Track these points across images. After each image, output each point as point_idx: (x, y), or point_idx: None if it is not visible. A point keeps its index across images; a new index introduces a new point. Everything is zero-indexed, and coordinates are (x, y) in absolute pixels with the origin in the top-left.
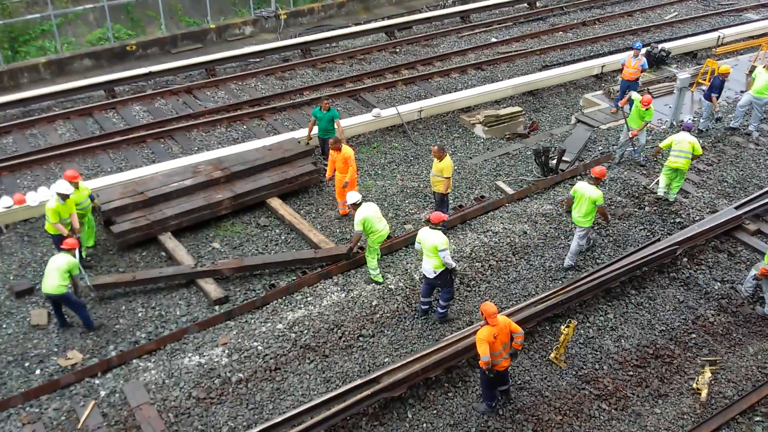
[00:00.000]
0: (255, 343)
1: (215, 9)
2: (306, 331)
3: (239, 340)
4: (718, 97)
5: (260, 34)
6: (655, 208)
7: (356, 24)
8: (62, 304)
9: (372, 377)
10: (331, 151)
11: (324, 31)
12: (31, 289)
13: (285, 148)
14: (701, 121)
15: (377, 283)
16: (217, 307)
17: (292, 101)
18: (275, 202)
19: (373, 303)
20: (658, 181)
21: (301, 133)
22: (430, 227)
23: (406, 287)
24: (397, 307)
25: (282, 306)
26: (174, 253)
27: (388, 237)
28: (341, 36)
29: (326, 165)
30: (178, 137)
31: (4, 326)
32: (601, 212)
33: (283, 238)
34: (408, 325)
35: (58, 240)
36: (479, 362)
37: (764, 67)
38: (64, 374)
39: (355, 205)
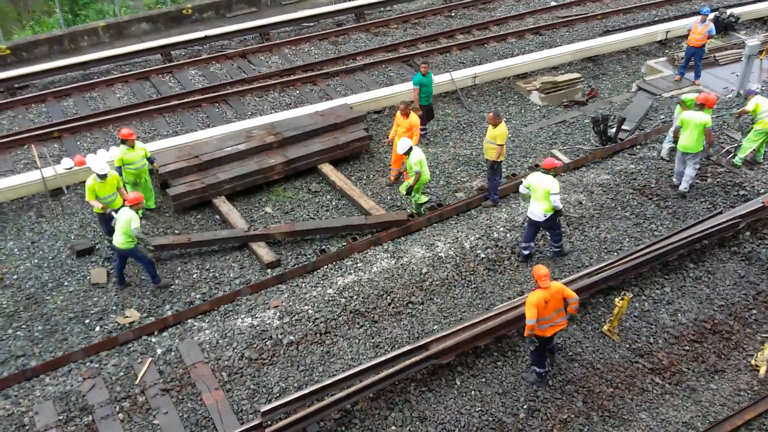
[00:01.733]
0: (306, 307)
1: None
2: (356, 297)
3: (290, 304)
4: None
5: None
6: (718, 180)
7: None
8: (130, 259)
9: (421, 344)
10: (398, 113)
11: None
12: (92, 248)
13: (337, 113)
14: None
15: (420, 205)
16: (269, 271)
17: (345, 66)
18: (327, 168)
19: (423, 270)
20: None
21: (353, 99)
22: (542, 172)
23: (456, 255)
24: (447, 275)
25: (332, 271)
26: (228, 216)
27: (440, 205)
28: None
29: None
30: (232, 102)
31: (66, 284)
32: (708, 135)
33: (334, 203)
34: (458, 293)
35: (101, 217)
36: (525, 328)
37: None
38: (122, 332)
39: (407, 153)
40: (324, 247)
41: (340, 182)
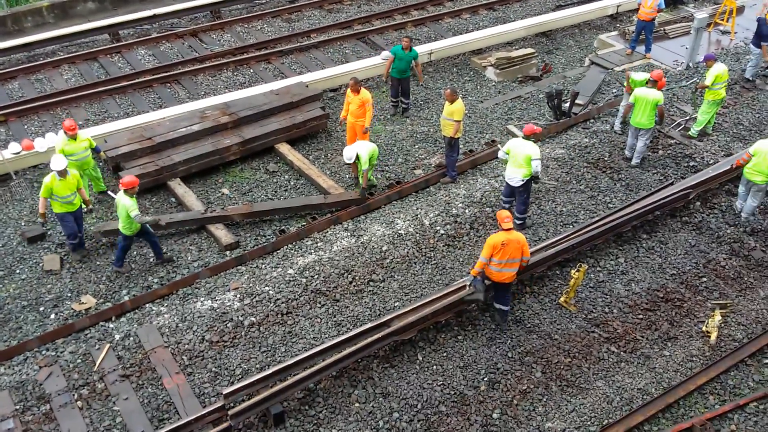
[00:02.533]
0: (266, 288)
1: None
2: (316, 276)
3: (251, 285)
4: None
5: None
6: (669, 151)
7: None
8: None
9: (382, 321)
10: (348, 90)
11: None
12: (43, 234)
13: (293, 92)
14: (748, 68)
15: (373, 185)
16: (228, 253)
17: (299, 44)
18: (284, 148)
19: (383, 248)
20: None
21: (309, 77)
22: (523, 138)
23: (416, 232)
24: (407, 252)
25: (292, 251)
26: (183, 198)
27: (398, 182)
28: None
29: (394, 103)
30: (184, 82)
31: (18, 272)
32: (660, 112)
33: (292, 183)
34: (418, 270)
35: (61, 217)
36: (476, 264)
37: None
38: (78, 318)
39: (357, 160)
40: (283, 227)
41: (298, 162)
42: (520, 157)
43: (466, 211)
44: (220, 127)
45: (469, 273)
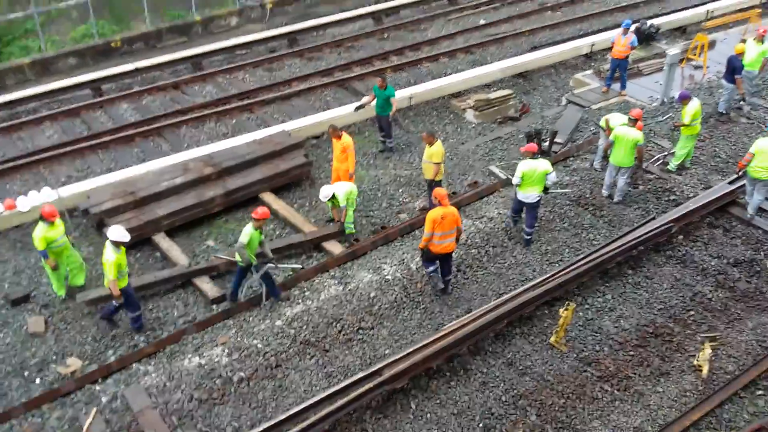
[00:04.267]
0: (254, 341)
1: (200, 1)
2: (305, 327)
3: (239, 339)
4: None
5: (246, 25)
6: (649, 186)
7: (343, 11)
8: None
9: (373, 370)
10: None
11: (311, 20)
12: (27, 296)
13: (276, 141)
14: (721, 102)
15: (351, 234)
16: (214, 306)
17: (281, 93)
18: (268, 197)
19: (371, 295)
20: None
21: (291, 125)
22: (531, 158)
23: (404, 277)
24: (396, 297)
25: (280, 302)
26: (168, 253)
27: (383, 227)
28: (328, 24)
29: (382, 141)
30: (167, 134)
31: (1, 335)
32: (639, 152)
33: (277, 233)
34: (407, 315)
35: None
36: (422, 240)
37: (754, 39)
38: (64, 382)
39: (331, 199)
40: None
41: (283, 210)
42: (537, 175)
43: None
44: (204, 178)
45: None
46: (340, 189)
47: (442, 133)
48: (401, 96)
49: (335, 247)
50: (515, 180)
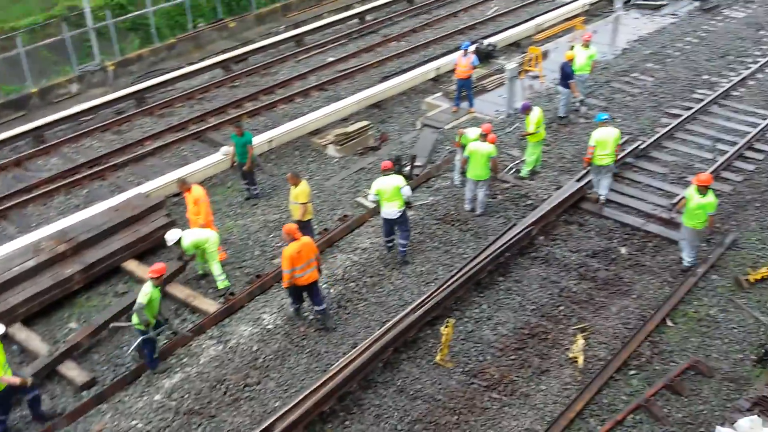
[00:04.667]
0: (134, 422)
1: (35, 71)
2: (187, 396)
3: (116, 423)
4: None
5: (88, 91)
6: (507, 195)
7: (190, 63)
8: None
9: (264, 427)
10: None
11: (157, 76)
12: None
13: (133, 205)
14: (560, 107)
15: (226, 287)
16: (84, 393)
17: (133, 154)
18: (132, 265)
19: (254, 348)
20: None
21: (149, 186)
22: (384, 174)
23: (285, 324)
24: (279, 346)
25: (156, 374)
26: (27, 345)
27: (258, 276)
28: (176, 78)
29: (246, 189)
30: (12, 216)
31: None
32: (493, 164)
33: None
34: (293, 362)
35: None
36: (283, 278)
37: (581, 45)
38: None
39: (177, 243)
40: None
41: None
42: (390, 190)
43: (331, 290)
44: (59, 256)
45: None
46: (188, 235)
47: (306, 171)
48: (260, 140)
49: (210, 306)
50: (370, 196)
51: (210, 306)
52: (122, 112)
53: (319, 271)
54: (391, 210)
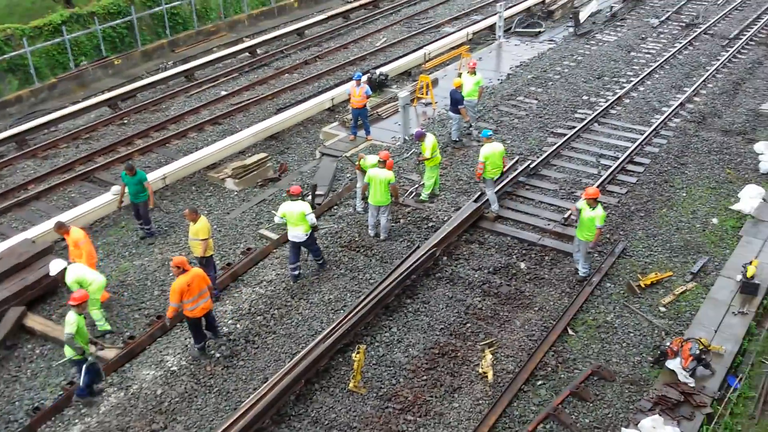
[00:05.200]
0: None
1: None
2: None
3: None
4: (465, 108)
5: None
6: (409, 218)
7: (74, 103)
8: None
9: None
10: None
11: (38, 117)
12: None
13: (19, 252)
14: (453, 131)
15: (108, 331)
16: None
17: (16, 199)
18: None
19: (158, 392)
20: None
21: (35, 231)
22: (291, 199)
23: (190, 364)
24: (185, 387)
25: (53, 430)
26: None
27: (159, 317)
28: (60, 118)
29: (140, 228)
30: None
31: None
32: (393, 189)
33: (38, 351)
34: (201, 403)
35: None
36: (168, 311)
37: (467, 72)
38: None
39: (62, 271)
40: (37, 404)
41: (41, 326)
42: (295, 216)
43: (238, 325)
44: None
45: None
46: (74, 270)
47: (205, 207)
48: (154, 177)
49: (108, 352)
50: (276, 218)
51: (108, 352)
52: (1, 156)
53: (213, 298)
54: (297, 233)
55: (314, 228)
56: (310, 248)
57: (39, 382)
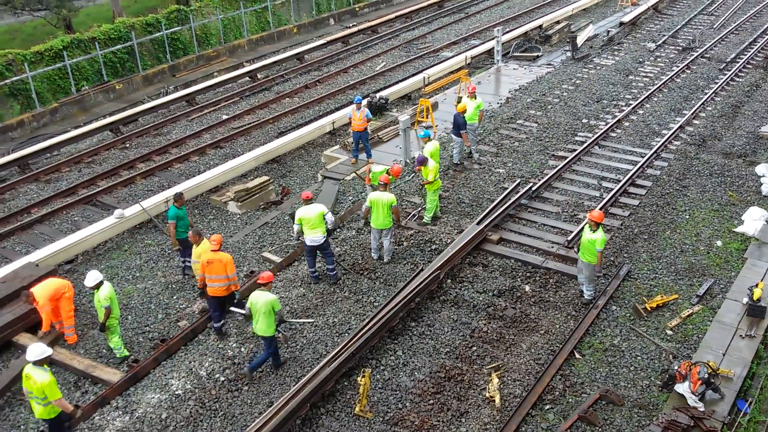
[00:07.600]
0: None
1: None
2: None
3: None
4: (466, 132)
5: None
6: (412, 241)
7: (76, 127)
8: None
9: None
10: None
11: (41, 141)
12: None
13: (22, 275)
14: (454, 154)
15: (125, 357)
16: None
17: (18, 223)
18: (24, 338)
19: (163, 416)
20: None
21: (38, 255)
22: (306, 203)
23: (195, 388)
24: (190, 412)
25: None
26: None
27: (163, 341)
28: (62, 142)
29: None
30: None
31: None
32: (395, 212)
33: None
34: (206, 427)
35: None
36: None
37: (468, 96)
38: None
39: (99, 284)
40: (42, 428)
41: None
42: (314, 218)
43: (242, 348)
44: None
45: None
46: (108, 287)
47: (207, 229)
48: (156, 201)
49: (112, 375)
50: (295, 227)
51: (112, 375)
52: (5, 179)
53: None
54: (315, 237)
55: (329, 233)
56: (325, 252)
57: None
